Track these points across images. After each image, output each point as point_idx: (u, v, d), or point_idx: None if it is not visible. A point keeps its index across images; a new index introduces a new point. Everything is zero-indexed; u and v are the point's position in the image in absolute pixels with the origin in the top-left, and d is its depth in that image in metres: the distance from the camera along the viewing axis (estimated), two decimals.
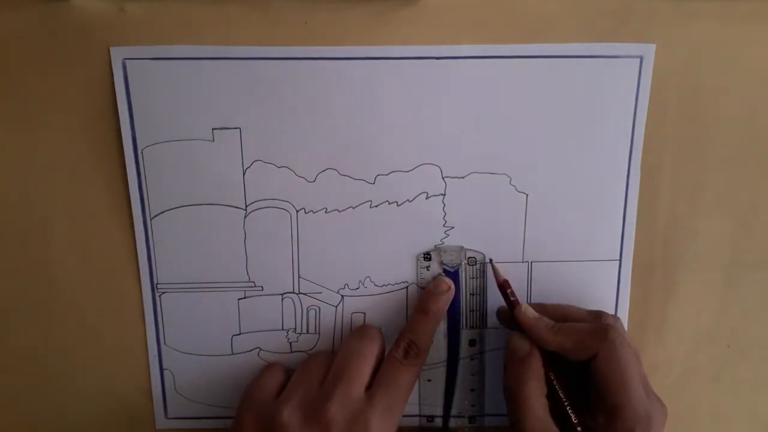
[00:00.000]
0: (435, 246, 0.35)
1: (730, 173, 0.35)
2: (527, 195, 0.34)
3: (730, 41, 0.33)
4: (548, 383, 0.32)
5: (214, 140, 0.33)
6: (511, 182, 0.34)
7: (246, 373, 0.36)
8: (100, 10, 0.32)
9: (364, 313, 0.36)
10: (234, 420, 0.33)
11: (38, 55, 0.32)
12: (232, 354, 0.36)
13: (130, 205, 0.34)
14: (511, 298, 0.33)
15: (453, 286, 0.34)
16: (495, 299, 0.35)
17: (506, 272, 0.34)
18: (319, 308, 0.36)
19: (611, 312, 0.36)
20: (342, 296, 0.36)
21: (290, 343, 0.36)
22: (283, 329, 0.36)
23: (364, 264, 0.35)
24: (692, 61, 0.33)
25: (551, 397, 0.31)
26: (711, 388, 0.38)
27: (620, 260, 0.36)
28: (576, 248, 0.35)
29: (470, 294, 0.35)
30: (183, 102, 0.33)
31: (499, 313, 0.35)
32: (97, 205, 0.34)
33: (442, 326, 0.36)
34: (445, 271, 0.35)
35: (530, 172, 0.34)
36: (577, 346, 0.31)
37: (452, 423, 0.37)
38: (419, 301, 0.34)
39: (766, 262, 0.36)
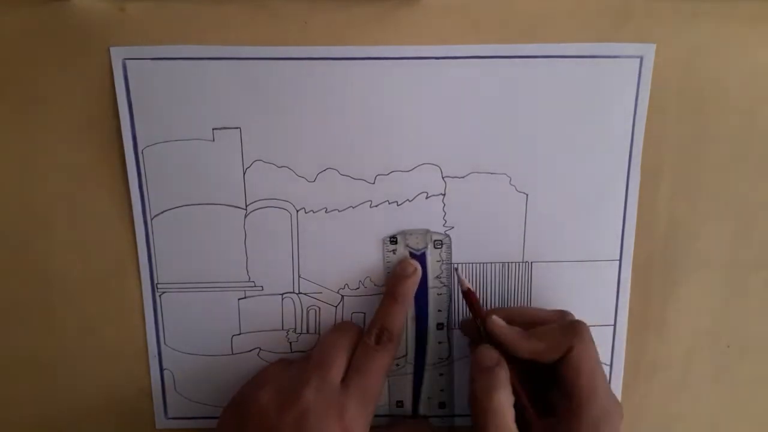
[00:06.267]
0: (400, 229, 0.35)
1: (730, 173, 0.35)
2: (527, 195, 0.34)
3: (730, 41, 0.33)
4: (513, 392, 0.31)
5: (214, 140, 0.33)
6: (511, 182, 0.34)
7: (246, 373, 0.36)
8: (100, 10, 0.32)
9: (364, 313, 0.36)
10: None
11: (38, 55, 0.32)
12: (232, 354, 0.36)
13: (131, 205, 0.34)
14: (477, 308, 0.33)
15: (419, 268, 0.34)
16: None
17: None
18: (319, 308, 0.36)
19: (611, 312, 0.36)
20: (342, 296, 0.36)
21: (290, 343, 0.36)
22: (283, 329, 0.36)
23: (364, 264, 0.35)
24: (692, 61, 0.33)
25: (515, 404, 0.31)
26: (711, 388, 0.38)
27: (620, 260, 0.36)
28: (576, 248, 0.35)
29: (435, 277, 0.35)
30: (183, 102, 0.33)
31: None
32: (97, 205, 0.34)
33: (410, 311, 0.36)
34: (411, 254, 0.35)
35: (530, 172, 0.34)
36: (551, 348, 0.31)
37: (421, 409, 0.37)
38: (387, 286, 0.34)
39: (766, 262, 0.36)
